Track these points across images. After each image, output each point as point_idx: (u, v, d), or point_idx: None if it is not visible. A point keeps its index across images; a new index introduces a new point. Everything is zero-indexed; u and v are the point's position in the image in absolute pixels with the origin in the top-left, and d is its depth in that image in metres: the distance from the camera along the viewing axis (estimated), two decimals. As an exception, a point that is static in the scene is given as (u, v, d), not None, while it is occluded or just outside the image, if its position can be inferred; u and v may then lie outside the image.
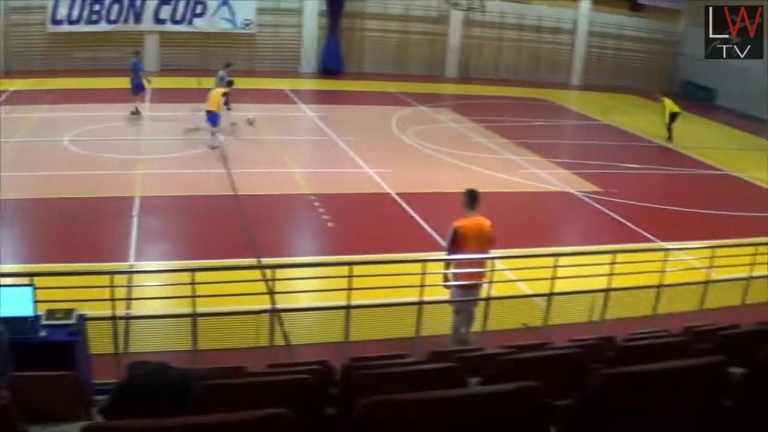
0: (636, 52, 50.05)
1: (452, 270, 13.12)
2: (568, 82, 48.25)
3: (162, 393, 5.77)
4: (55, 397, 7.13)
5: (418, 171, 24.37)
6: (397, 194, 21.38)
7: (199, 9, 40.21)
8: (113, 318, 11.36)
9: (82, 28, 39.39)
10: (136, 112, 29.05)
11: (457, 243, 12.77)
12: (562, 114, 39.78)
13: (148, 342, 11.83)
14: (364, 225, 19.38)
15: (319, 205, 19.95)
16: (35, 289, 9.87)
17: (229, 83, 26.82)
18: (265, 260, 15.42)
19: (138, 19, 39.75)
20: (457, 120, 33.53)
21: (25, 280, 10.66)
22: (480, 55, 46.08)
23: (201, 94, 28.07)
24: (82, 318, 10.09)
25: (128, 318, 11.99)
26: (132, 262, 15.97)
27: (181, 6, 39.94)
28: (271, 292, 11.98)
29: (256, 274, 13.27)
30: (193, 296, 11.45)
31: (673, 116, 33.25)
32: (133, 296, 12.68)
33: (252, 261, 15.56)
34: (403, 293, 12.51)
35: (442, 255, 14.20)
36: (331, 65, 42.00)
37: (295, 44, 42.09)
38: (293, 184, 21.64)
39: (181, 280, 12.23)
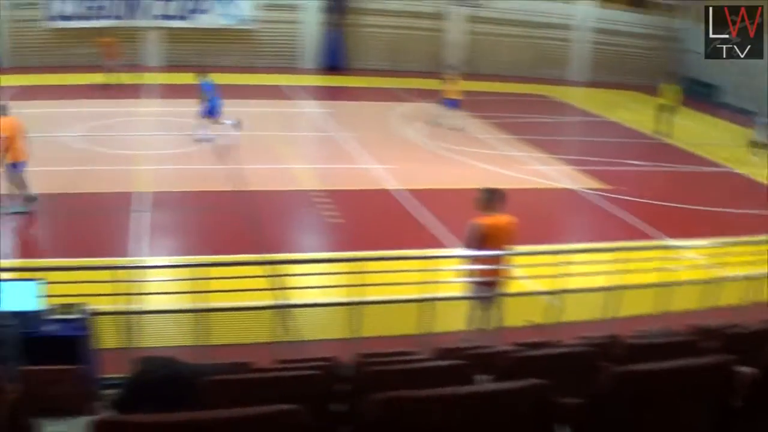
0: (637, 48, 49.95)
1: (475, 266, 13.14)
2: (570, 78, 48.13)
3: (170, 387, 5.78)
4: (62, 391, 7.15)
5: (422, 167, 24.30)
6: (401, 190, 21.34)
7: (198, 5, 40.09)
8: (120, 312, 11.38)
9: (82, 24, 39.27)
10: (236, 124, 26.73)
11: (480, 240, 12.75)
12: (564, 110, 39.71)
13: (156, 337, 11.85)
14: (369, 221, 19.35)
15: (323, 201, 19.91)
16: (44, 284, 9.90)
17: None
18: (272, 256, 15.40)
19: (138, 15, 39.63)
20: (459, 116, 33.45)
21: (34, 275, 10.69)
22: (481, 51, 45.84)
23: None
24: (90, 313, 10.12)
25: (135, 313, 12.00)
26: (139, 258, 15.99)
27: (180, 2, 39.83)
28: (278, 288, 11.96)
29: (263, 270, 13.27)
30: (200, 291, 11.47)
31: (665, 107, 33.13)
32: (141, 291, 12.68)
33: (259, 257, 15.53)
34: (409, 290, 12.48)
35: (455, 251, 14.13)
36: (331, 61, 41.86)
37: (295, 40, 41.94)
38: (297, 181, 21.64)
39: (188, 275, 12.24)
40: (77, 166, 22.41)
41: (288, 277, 12.71)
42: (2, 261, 15.45)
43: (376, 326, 12.26)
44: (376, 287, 12.20)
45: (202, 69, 27.07)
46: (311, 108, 32.54)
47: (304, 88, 36.75)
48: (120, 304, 11.38)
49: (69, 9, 39.17)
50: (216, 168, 22.52)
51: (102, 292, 11.12)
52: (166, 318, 12.15)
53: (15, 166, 18.49)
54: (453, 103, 29.80)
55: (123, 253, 16.04)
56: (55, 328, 9.60)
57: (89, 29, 38.96)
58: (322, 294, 13.16)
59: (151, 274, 13.88)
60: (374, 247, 16.13)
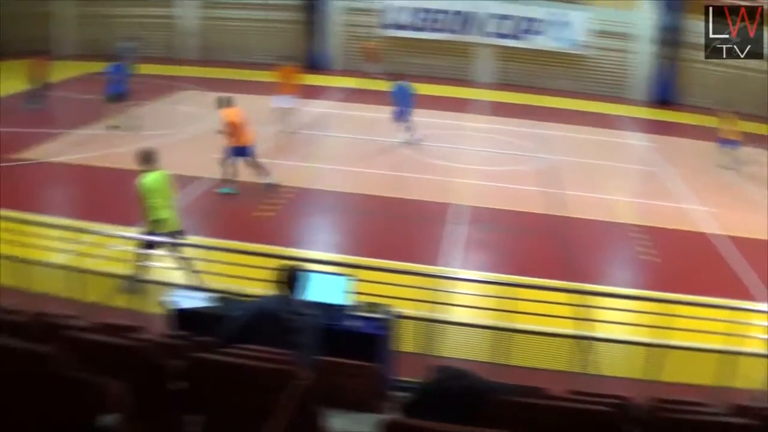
0: None
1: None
2: None
3: (461, 399, 5.80)
4: (355, 385, 7.32)
5: (747, 214, 22.87)
6: (721, 235, 20.31)
7: (532, 26, 40.21)
8: (425, 319, 11.58)
9: (417, 34, 40.56)
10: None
11: None
12: None
13: (454, 348, 11.98)
14: (681, 262, 18.58)
15: (638, 237, 19.40)
16: (352, 280, 10.22)
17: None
18: (579, 285, 15.21)
19: (472, 30, 40.31)
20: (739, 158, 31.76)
21: (343, 270, 11.06)
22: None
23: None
24: (394, 315, 10.35)
25: (439, 321, 12.19)
26: (449, 268, 16.25)
27: (515, 21, 40.09)
28: (582, 319, 11.84)
29: (569, 297, 13.14)
30: (504, 310, 11.50)
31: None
32: (445, 301, 12.87)
33: (566, 284, 15.37)
34: (713, 339, 12.00)
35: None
36: (661, 95, 40.87)
37: (624, 69, 41.16)
38: (614, 212, 21.22)
39: (493, 292, 12.29)
40: (398, 172, 23.09)
41: (593, 309, 12.53)
42: (317, 254, 16.15)
43: (675, 371, 11.87)
44: (680, 332, 11.83)
45: (396, 76, 27.81)
46: (636, 140, 31.90)
47: (631, 119, 36.04)
48: (423, 311, 11.60)
49: (405, 19, 40.38)
50: (534, 190, 22.48)
51: (408, 297, 11.38)
52: (467, 331, 12.27)
53: (234, 151, 20.20)
54: (731, 144, 28.19)
55: (432, 262, 16.34)
56: (358, 325, 9.89)
57: (421, 40, 40.12)
58: (624, 330, 12.88)
59: (458, 285, 14.06)
60: (683, 290, 15.57)
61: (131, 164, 14.78)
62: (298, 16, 41.60)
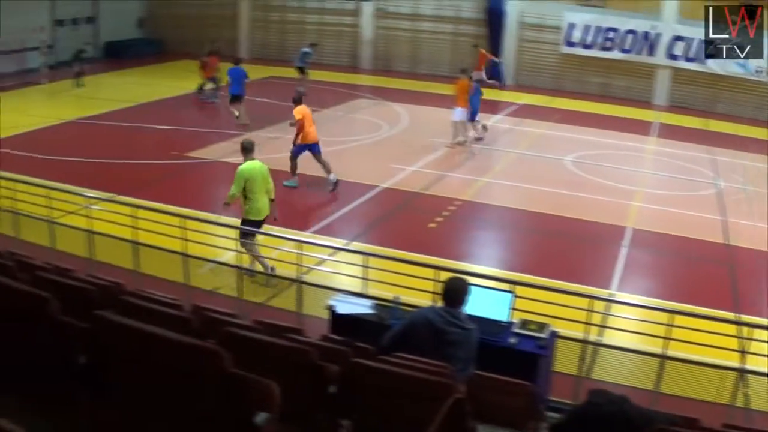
0: None
1: None
2: None
3: (613, 425, 5.69)
4: (509, 403, 7.27)
5: None
6: None
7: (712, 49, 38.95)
8: (583, 341, 11.41)
9: (595, 53, 40.07)
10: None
11: None
12: None
13: (612, 372, 11.76)
14: None
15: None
16: (515, 296, 10.16)
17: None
18: (745, 317, 14.74)
19: (651, 51, 39.49)
20: None
21: (506, 287, 11.00)
22: None
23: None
24: (555, 334, 10.26)
25: (597, 344, 12.00)
26: (612, 291, 16.02)
27: (695, 44, 39.02)
28: (743, 351, 11.47)
29: (731, 328, 12.75)
30: (666, 338, 11.24)
31: None
32: (607, 324, 12.67)
33: (730, 315, 14.90)
34: None
35: None
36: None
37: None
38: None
39: (656, 318, 12.03)
40: (566, 190, 22.84)
41: (755, 342, 12.12)
42: (480, 268, 16.13)
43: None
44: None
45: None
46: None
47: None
48: (581, 332, 11.42)
49: (586, 37, 39.96)
50: (706, 217, 21.78)
51: (568, 317, 11.23)
52: (625, 356, 12.04)
53: (300, 148, 21.04)
54: None
55: (596, 283, 16.07)
56: (517, 342, 9.79)
57: (599, 59, 39.69)
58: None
59: (620, 309, 13.80)
60: None
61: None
62: (476, 30, 41.68)
